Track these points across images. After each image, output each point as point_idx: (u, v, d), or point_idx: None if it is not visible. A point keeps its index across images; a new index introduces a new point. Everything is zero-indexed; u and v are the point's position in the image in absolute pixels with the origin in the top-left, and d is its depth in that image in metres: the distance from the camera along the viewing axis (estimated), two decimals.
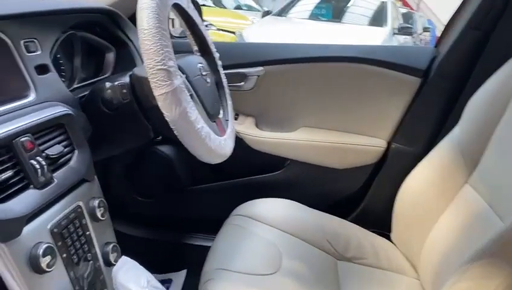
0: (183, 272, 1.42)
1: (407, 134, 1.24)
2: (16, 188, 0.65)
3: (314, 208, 1.15)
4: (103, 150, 0.92)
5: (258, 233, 1.03)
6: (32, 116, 0.71)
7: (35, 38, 0.80)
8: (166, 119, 0.69)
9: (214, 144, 0.78)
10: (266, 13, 5.91)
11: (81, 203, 0.78)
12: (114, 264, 0.82)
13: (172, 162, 1.35)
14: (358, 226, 1.14)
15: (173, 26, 1.32)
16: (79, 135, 0.80)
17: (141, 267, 0.80)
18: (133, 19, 1.05)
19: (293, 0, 5.70)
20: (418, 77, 1.20)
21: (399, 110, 1.23)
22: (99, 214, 0.81)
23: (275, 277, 0.91)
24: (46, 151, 0.71)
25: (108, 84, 0.84)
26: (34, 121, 0.70)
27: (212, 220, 1.15)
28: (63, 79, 0.96)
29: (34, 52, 0.79)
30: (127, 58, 1.11)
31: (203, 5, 6.68)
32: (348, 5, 5.47)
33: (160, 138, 1.31)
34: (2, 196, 0.62)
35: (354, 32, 4.62)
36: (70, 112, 0.78)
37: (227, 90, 1.06)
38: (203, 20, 1.22)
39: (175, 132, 0.71)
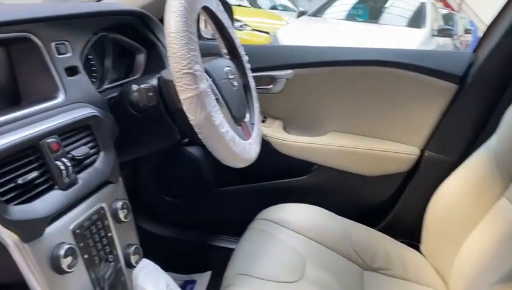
0: (208, 274, 1.42)
1: (442, 142, 1.19)
2: (41, 188, 0.66)
3: (341, 216, 1.13)
4: (130, 151, 0.93)
5: (282, 239, 1.02)
6: (60, 117, 0.72)
7: (66, 41, 0.81)
8: (191, 123, 0.69)
9: (238, 148, 0.78)
10: (301, 13, 5.88)
11: (104, 205, 0.79)
12: (135, 266, 0.82)
13: (200, 163, 1.35)
14: (386, 235, 1.11)
15: (205, 27, 1.32)
16: (105, 137, 0.81)
17: (161, 271, 0.80)
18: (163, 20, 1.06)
19: (329, 1, 5.63)
20: (455, 83, 1.15)
21: (433, 117, 1.18)
22: (122, 216, 0.81)
23: (297, 285, 0.90)
24: (71, 153, 0.72)
25: (135, 87, 0.85)
26: (61, 123, 0.71)
27: (237, 223, 1.15)
28: (94, 80, 0.98)
29: (64, 54, 0.80)
30: (157, 59, 1.12)
31: (239, 5, 6.73)
32: (386, 5, 5.34)
33: (187, 139, 1.32)
34: (27, 197, 0.63)
35: (391, 34, 4.52)
36: (97, 113, 0.79)
37: (254, 94, 1.05)
38: (233, 22, 1.21)
39: (199, 136, 0.71)
